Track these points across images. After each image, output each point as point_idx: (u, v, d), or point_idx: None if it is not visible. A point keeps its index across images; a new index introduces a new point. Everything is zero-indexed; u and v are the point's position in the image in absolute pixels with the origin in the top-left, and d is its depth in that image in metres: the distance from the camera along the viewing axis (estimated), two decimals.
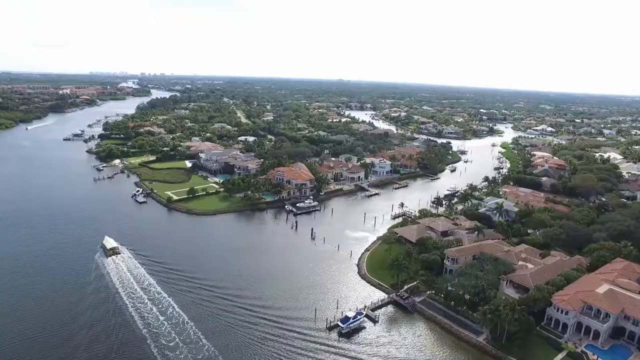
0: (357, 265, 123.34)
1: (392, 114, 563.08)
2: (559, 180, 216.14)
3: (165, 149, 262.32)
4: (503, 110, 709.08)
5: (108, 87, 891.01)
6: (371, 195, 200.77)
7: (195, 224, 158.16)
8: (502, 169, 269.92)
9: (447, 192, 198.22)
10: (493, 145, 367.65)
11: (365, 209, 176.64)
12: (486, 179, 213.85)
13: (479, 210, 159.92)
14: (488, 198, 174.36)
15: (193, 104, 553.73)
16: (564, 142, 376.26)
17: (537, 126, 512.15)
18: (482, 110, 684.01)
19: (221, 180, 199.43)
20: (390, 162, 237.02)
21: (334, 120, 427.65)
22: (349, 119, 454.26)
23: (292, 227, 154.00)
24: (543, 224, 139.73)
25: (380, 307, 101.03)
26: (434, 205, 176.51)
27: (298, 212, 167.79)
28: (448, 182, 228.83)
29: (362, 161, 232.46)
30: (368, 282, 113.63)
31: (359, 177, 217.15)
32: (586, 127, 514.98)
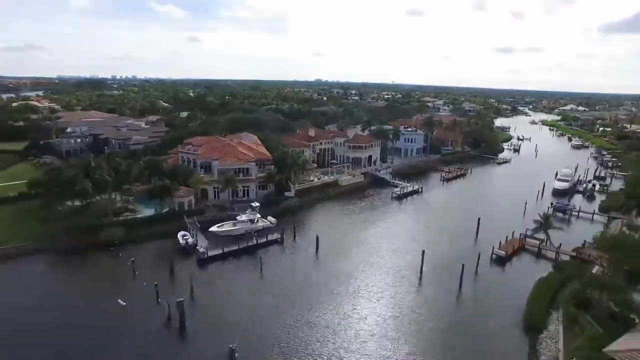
0: None
1: (386, 96, 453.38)
2: None
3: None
4: (508, 98, 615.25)
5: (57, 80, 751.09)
6: (405, 195, 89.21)
7: None
8: (586, 146, 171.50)
9: (560, 185, 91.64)
10: (533, 122, 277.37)
11: (411, 232, 64.73)
12: None
13: None
14: None
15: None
16: (624, 117, 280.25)
17: (564, 106, 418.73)
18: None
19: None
20: (424, 133, 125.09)
21: (316, 97, 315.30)
22: (335, 95, 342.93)
23: (166, 324, 40.58)
24: None
25: None
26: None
27: (206, 255, 53.75)
28: (521, 167, 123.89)
29: (374, 127, 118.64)
30: None
31: (369, 157, 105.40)
32: (626, 105, 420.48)
